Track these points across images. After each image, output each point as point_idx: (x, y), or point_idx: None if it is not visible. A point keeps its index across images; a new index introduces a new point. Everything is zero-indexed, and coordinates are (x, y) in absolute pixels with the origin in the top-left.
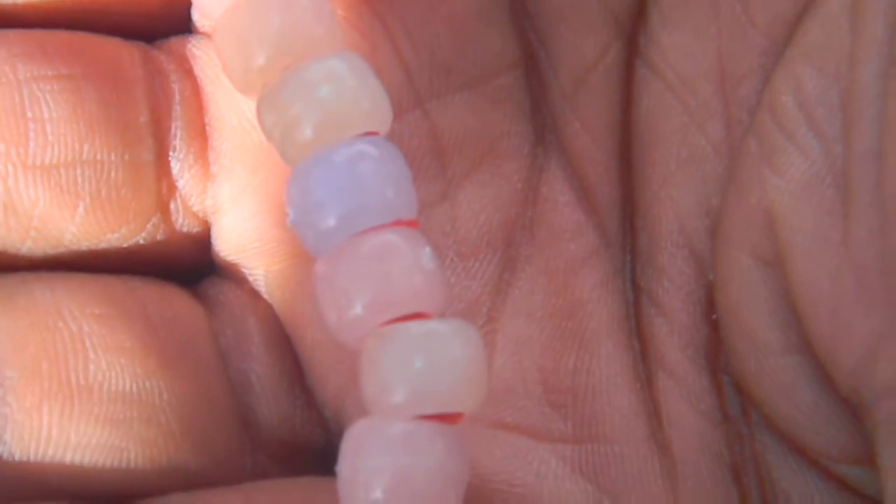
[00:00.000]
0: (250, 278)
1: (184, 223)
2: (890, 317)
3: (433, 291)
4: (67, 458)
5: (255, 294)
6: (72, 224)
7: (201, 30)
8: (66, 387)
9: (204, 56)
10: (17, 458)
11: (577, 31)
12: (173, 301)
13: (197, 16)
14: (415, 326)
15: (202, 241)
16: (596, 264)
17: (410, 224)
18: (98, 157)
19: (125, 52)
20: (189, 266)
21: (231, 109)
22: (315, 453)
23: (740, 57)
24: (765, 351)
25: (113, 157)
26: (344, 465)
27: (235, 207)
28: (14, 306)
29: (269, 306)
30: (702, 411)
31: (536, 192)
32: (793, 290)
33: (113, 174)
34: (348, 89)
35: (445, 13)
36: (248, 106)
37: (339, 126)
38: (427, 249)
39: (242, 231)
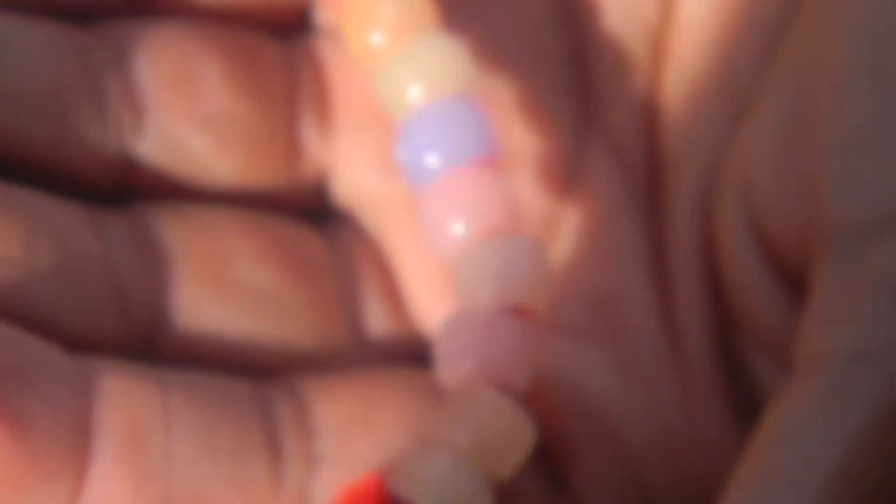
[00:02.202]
0: (361, 223)
1: (308, 174)
2: None
3: (513, 215)
4: (218, 338)
5: (365, 233)
6: (224, 166)
7: (321, 26)
8: (221, 281)
9: (324, 45)
10: (182, 336)
11: None
12: (301, 232)
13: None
14: (499, 240)
15: (322, 190)
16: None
17: (495, 162)
18: (244, 115)
19: (265, 41)
20: (312, 210)
21: (349, 84)
22: (412, 361)
23: None
24: (734, 255)
25: (255, 117)
26: (441, 347)
27: (351, 165)
28: (187, 224)
29: (375, 242)
30: (710, 322)
31: None
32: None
33: (255, 130)
34: None
35: None
36: (364, 81)
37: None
38: (509, 182)
39: (356, 185)
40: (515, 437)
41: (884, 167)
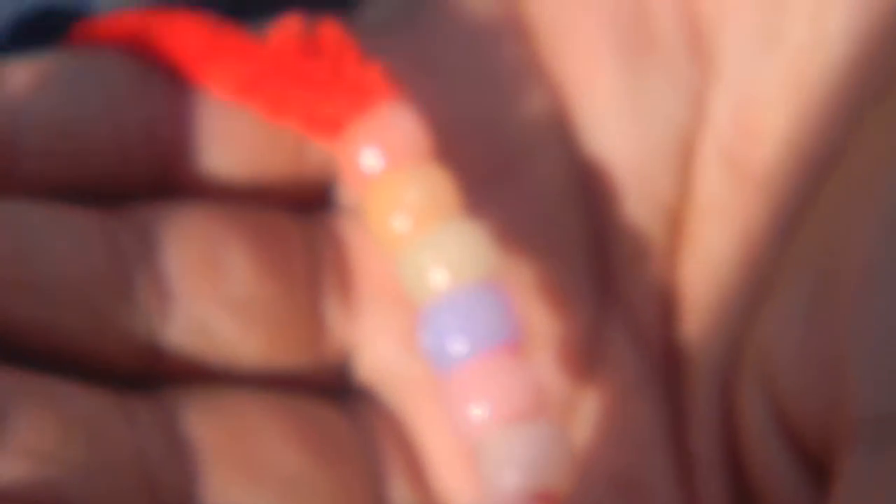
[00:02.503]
0: (384, 400)
1: (331, 353)
2: None
3: (535, 398)
4: None
5: (388, 411)
6: (249, 348)
7: (343, 203)
8: (247, 465)
9: (346, 223)
10: None
11: None
12: (325, 411)
13: (339, 193)
14: (523, 425)
15: (345, 368)
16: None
17: (518, 347)
18: (268, 296)
19: (288, 221)
20: (335, 388)
21: (371, 262)
22: None
23: None
24: (755, 440)
25: (279, 299)
26: None
27: (373, 343)
28: (214, 410)
29: (398, 420)
30: (730, 502)
31: None
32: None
33: (279, 312)
34: None
35: None
36: (385, 259)
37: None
38: (530, 365)
39: (379, 363)
40: None
41: None
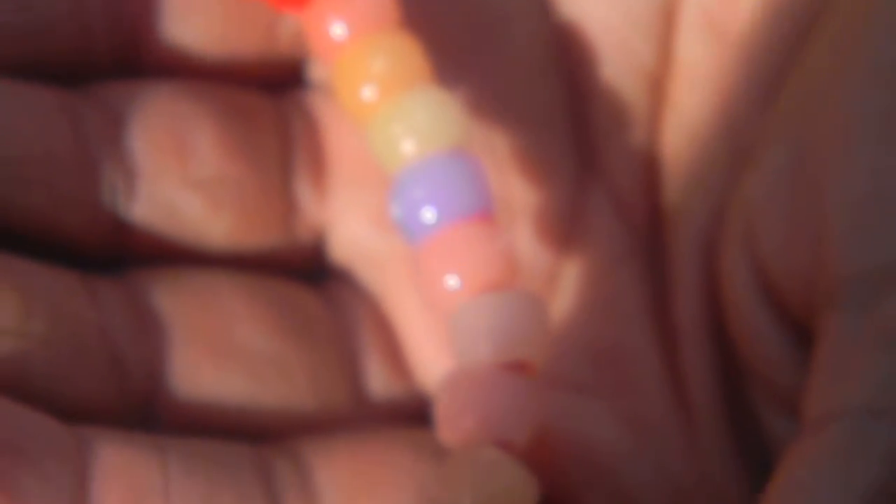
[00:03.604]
0: (359, 280)
1: (304, 233)
2: None
3: (509, 269)
4: (217, 404)
5: (363, 290)
6: (217, 228)
7: (315, 81)
8: (218, 345)
9: (318, 100)
10: (180, 402)
11: None
12: (299, 292)
13: (313, 69)
14: (496, 296)
15: (319, 248)
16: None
17: (489, 217)
18: (237, 176)
19: (259, 99)
20: (309, 269)
21: (344, 140)
22: (414, 418)
23: None
24: (739, 305)
25: (249, 178)
26: (441, 405)
27: (347, 222)
28: (182, 289)
29: (373, 299)
30: (716, 371)
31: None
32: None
33: (249, 191)
34: None
35: None
36: (359, 135)
37: None
38: (505, 236)
39: (353, 242)
40: (517, 494)
41: (893, 219)
